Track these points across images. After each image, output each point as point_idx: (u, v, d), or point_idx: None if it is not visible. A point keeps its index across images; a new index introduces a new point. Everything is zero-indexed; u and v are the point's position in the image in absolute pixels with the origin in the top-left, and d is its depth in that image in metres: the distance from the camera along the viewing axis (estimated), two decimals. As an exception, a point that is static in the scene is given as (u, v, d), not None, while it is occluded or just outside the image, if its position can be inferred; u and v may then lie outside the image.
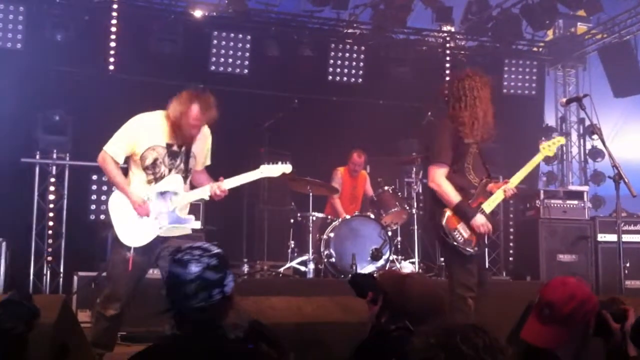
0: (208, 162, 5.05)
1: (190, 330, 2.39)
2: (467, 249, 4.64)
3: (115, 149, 4.67)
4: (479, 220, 4.66)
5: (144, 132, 4.68)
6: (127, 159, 4.77)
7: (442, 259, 8.43)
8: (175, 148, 4.73)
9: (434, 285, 2.77)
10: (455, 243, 4.63)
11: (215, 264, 2.44)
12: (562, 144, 5.14)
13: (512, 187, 4.88)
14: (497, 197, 4.83)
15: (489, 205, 4.80)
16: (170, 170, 4.71)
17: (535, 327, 2.60)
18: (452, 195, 4.65)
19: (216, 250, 2.51)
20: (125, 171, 4.83)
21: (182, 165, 4.75)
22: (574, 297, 2.57)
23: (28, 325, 2.52)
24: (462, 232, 4.67)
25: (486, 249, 7.03)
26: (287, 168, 4.97)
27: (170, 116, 4.67)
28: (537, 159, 5.16)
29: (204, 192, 4.77)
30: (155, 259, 4.74)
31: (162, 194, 4.69)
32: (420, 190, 8.46)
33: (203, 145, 4.93)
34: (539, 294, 2.66)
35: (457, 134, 4.70)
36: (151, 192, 4.68)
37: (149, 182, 4.70)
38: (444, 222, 4.66)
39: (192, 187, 4.90)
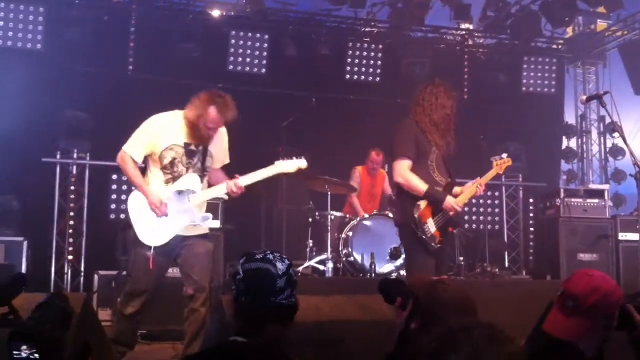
0: (227, 161, 5.08)
1: (259, 331, 2.41)
2: (432, 244, 4.82)
3: (134, 149, 4.71)
4: (450, 201, 4.85)
5: (162, 132, 4.71)
6: (145, 159, 4.81)
7: (461, 259, 8.46)
8: (193, 147, 4.76)
9: (465, 290, 2.74)
10: (424, 237, 4.79)
11: (284, 269, 2.51)
12: (509, 165, 5.50)
13: (483, 182, 5.13)
14: (464, 197, 5.02)
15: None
16: (187, 170, 4.74)
17: (558, 319, 2.58)
18: (420, 184, 4.81)
19: (288, 261, 2.58)
20: (143, 171, 4.87)
21: (199, 165, 4.78)
22: (598, 289, 2.53)
23: (64, 326, 2.54)
24: (430, 227, 4.84)
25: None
26: (302, 163, 4.97)
27: (188, 117, 4.70)
28: (492, 174, 5.39)
29: (221, 190, 4.79)
30: (175, 257, 4.78)
31: (180, 193, 4.72)
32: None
33: (220, 145, 4.95)
34: (563, 286, 2.63)
35: (419, 131, 4.87)
36: (169, 191, 4.71)
37: (167, 181, 4.73)
38: (416, 214, 4.82)
39: (210, 186, 4.92)
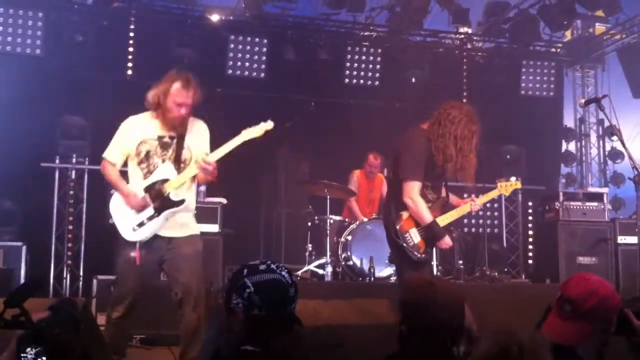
0: (207, 150, 4.94)
1: (270, 339, 2.42)
2: (415, 252, 4.81)
3: (112, 153, 4.80)
4: (447, 240, 4.93)
5: (136, 130, 4.77)
6: (127, 164, 4.84)
7: (460, 262, 8.45)
8: (166, 139, 4.77)
9: (454, 288, 2.74)
10: (404, 244, 4.79)
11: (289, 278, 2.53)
12: (518, 187, 5.47)
13: (478, 203, 5.17)
14: (456, 213, 5.05)
15: (442, 220, 4.97)
16: (163, 161, 4.75)
17: (556, 323, 2.58)
18: (426, 214, 4.81)
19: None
20: (125, 175, 4.88)
21: (174, 156, 4.76)
22: (595, 293, 2.53)
23: (75, 331, 2.55)
24: (412, 236, 4.84)
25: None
26: (268, 125, 4.92)
27: (154, 103, 4.71)
28: (492, 194, 5.44)
29: (192, 169, 4.74)
30: (160, 262, 4.74)
31: (155, 183, 4.71)
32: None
33: (199, 138, 4.88)
34: (560, 290, 2.63)
35: (429, 151, 4.79)
36: (145, 184, 4.72)
37: (145, 175, 4.75)
38: (398, 224, 4.83)
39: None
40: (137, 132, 4.76)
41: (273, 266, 2.51)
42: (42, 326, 2.40)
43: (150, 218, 4.68)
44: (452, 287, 2.79)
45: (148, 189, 4.71)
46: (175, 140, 4.77)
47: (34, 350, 2.30)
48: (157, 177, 4.72)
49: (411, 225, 4.85)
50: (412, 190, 4.77)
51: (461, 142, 4.78)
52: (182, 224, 4.77)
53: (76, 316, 2.59)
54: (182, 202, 4.73)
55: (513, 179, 5.43)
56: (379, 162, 8.71)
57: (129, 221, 4.70)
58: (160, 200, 4.69)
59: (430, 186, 4.91)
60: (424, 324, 2.52)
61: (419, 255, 4.82)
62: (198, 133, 4.88)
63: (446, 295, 2.61)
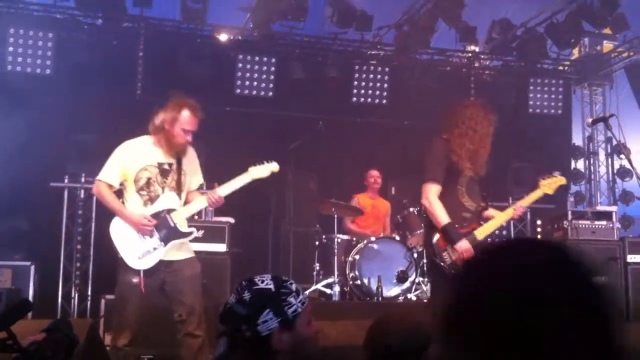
0: (201, 180, 5.10)
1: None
2: (453, 271, 4.61)
3: (108, 175, 4.77)
4: (463, 245, 4.62)
5: (135, 155, 4.77)
6: (118, 190, 4.84)
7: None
8: (166, 166, 4.81)
9: (415, 318, 2.73)
10: (442, 264, 4.64)
11: (246, 299, 2.41)
12: (563, 184, 5.08)
13: (521, 205, 4.94)
14: (496, 222, 4.84)
15: (482, 232, 4.79)
16: (163, 189, 4.77)
17: None
18: (442, 215, 4.67)
19: (263, 285, 2.46)
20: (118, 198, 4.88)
21: (173, 183, 4.80)
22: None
23: (68, 353, 2.54)
24: (451, 254, 4.66)
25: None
26: (274, 167, 5.02)
27: (159, 129, 4.73)
28: (535, 195, 5.11)
29: (202, 202, 4.84)
30: (161, 284, 4.75)
31: (161, 212, 4.72)
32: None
33: (192, 162, 4.98)
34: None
35: (450, 155, 4.74)
36: (149, 213, 4.71)
37: (145, 202, 4.75)
38: (434, 240, 4.70)
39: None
40: (138, 157, 4.77)
41: (242, 286, 2.47)
42: (31, 350, 2.38)
43: (157, 247, 4.69)
44: (414, 317, 2.73)
45: (153, 218, 4.72)
46: (173, 167, 4.81)
47: None
48: (162, 206, 4.74)
49: (447, 242, 4.70)
50: (429, 192, 4.72)
51: (479, 135, 4.81)
52: (179, 247, 4.81)
53: (71, 337, 2.58)
54: (190, 233, 4.82)
55: (557, 173, 5.05)
56: (378, 173, 8.83)
57: (133, 249, 4.69)
58: (166, 230, 4.71)
59: (463, 191, 4.77)
60: (381, 351, 2.53)
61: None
62: (193, 159, 4.97)
63: (407, 326, 2.61)
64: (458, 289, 1.25)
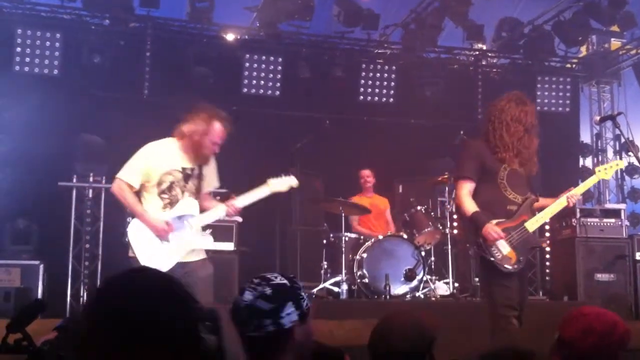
0: (217, 184, 5.12)
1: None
2: (506, 265, 4.53)
3: (130, 176, 4.75)
4: (489, 228, 4.52)
5: (159, 158, 4.77)
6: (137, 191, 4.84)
7: (476, 279, 8.36)
8: (188, 171, 4.83)
9: (420, 316, 2.73)
10: (492, 259, 4.53)
11: (268, 294, 2.43)
12: (621, 167, 4.98)
13: (575, 193, 4.87)
14: (549, 211, 4.77)
15: (533, 223, 4.72)
16: (183, 193, 4.78)
17: None
18: (469, 207, 4.63)
19: (278, 280, 2.49)
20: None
21: (193, 188, 4.83)
22: (591, 331, 2.32)
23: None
24: (500, 248, 4.55)
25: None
26: (293, 181, 5.04)
27: (187, 137, 4.74)
28: (591, 181, 5.13)
29: (220, 211, 4.86)
30: None
31: (180, 217, 4.74)
32: (454, 210, 8.40)
33: (211, 168, 5.01)
34: (558, 330, 2.43)
35: (486, 150, 4.72)
36: (168, 216, 4.73)
37: (164, 206, 4.76)
38: (480, 239, 4.59)
39: (201, 209, 4.93)
40: (164, 161, 4.77)
41: (255, 284, 2.47)
42: (45, 349, 2.39)
43: (174, 251, 4.72)
44: (421, 318, 2.71)
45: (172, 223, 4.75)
46: (195, 172, 4.84)
47: None
48: (182, 211, 4.76)
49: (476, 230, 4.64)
50: (459, 189, 4.73)
51: (514, 125, 4.75)
52: (194, 249, 4.84)
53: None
54: (206, 241, 4.86)
55: (616, 160, 5.06)
56: (369, 172, 8.84)
57: (152, 252, 4.71)
58: (184, 235, 4.74)
59: (505, 184, 4.69)
60: (384, 352, 2.53)
61: (511, 268, 4.54)
62: (212, 166, 4.99)
63: (410, 327, 2.61)
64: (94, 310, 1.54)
